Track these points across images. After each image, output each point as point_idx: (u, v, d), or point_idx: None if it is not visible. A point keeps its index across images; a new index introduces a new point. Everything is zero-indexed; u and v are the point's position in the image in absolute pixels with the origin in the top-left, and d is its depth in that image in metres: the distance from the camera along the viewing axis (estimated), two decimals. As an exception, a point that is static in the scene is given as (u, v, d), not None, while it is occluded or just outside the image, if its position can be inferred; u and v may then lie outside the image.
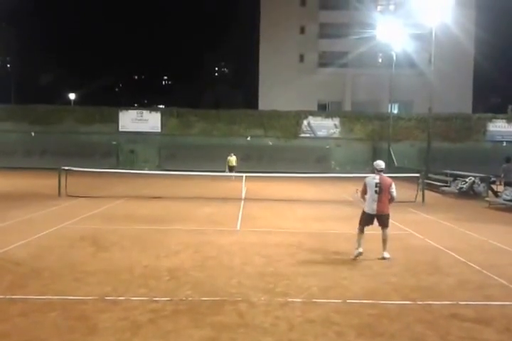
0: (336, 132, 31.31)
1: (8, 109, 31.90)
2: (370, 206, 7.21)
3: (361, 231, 7.36)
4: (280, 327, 4.53)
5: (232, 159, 24.12)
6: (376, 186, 7.11)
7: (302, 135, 31.16)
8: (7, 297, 5.23)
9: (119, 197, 14.77)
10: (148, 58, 70.72)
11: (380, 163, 7.42)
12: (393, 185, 7.25)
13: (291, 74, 39.76)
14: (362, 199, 7.58)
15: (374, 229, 10.01)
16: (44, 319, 4.61)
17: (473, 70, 41.62)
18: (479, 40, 40.14)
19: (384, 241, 7.40)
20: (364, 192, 7.37)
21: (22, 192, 16.26)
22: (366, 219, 7.36)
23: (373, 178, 7.21)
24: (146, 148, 30.47)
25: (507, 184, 14.34)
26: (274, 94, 38.66)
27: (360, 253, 7.19)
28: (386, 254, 7.30)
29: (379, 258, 7.23)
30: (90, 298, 5.22)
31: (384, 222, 7.37)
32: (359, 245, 7.27)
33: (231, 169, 23.53)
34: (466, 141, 31.01)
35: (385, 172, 7.46)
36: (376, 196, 7.11)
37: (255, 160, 28.18)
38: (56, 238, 8.43)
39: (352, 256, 7.22)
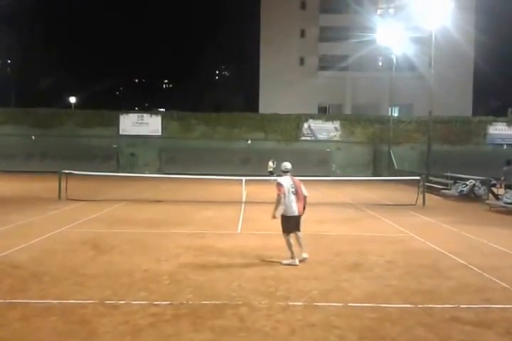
0: (336, 135, 31.35)
1: (9, 112, 31.98)
2: (291, 208, 7.00)
3: (289, 238, 7.09)
4: (281, 331, 4.51)
5: (270, 163, 24.31)
6: (292, 187, 7.04)
7: (303, 138, 31.20)
8: (7, 301, 5.22)
9: (120, 201, 14.77)
10: (148, 61, 70.92)
11: (287, 164, 7.33)
12: (302, 184, 7.26)
13: (292, 78, 39.85)
14: (280, 204, 7.13)
15: (373, 231, 10.04)
16: (44, 323, 4.60)
17: (473, 73, 41.70)
18: (479, 43, 40.25)
19: (300, 243, 7.23)
20: (280, 193, 7.10)
21: (22, 196, 16.26)
22: (292, 223, 7.07)
23: (286, 180, 7.12)
24: (146, 152, 30.51)
25: (507, 187, 14.33)
26: (275, 97, 38.74)
27: (292, 264, 6.88)
28: (305, 255, 7.18)
29: (300, 260, 6.99)
30: (90, 302, 5.21)
31: (300, 224, 7.25)
32: (293, 254, 6.94)
33: (271, 173, 23.80)
34: (467, 143, 31.04)
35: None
36: (294, 197, 7.01)
37: (256, 164, 28.17)
38: (56, 242, 8.42)
39: (285, 262, 6.92)
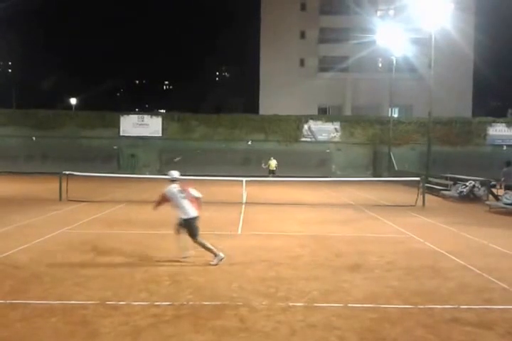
0: (336, 136, 31.37)
1: (10, 113, 31.97)
2: (190, 210, 7.22)
3: (200, 239, 7.22)
4: (281, 331, 4.52)
5: (272, 163, 24.55)
6: (180, 193, 7.32)
7: (303, 139, 31.22)
8: (8, 302, 5.23)
9: (120, 202, 14.78)
10: (149, 63, 71.05)
11: (173, 173, 7.61)
12: (191, 188, 7.53)
13: (292, 79, 39.90)
14: (156, 208, 7.71)
15: (373, 232, 10.04)
16: (45, 324, 4.61)
17: (473, 74, 41.73)
18: (479, 45, 40.30)
19: (184, 245, 7.39)
20: (159, 203, 7.59)
21: (23, 197, 16.27)
22: (197, 224, 7.24)
23: (174, 187, 7.40)
24: (147, 153, 30.53)
25: (507, 188, 14.34)
26: (275, 98, 38.77)
27: (221, 259, 7.08)
28: (190, 253, 7.36)
29: (182, 257, 7.17)
30: (91, 302, 5.22)
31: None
32: (213, 250, 7.12)
33: (271, 172, 24.07)
34: (466, 144, 31.05)
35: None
36: (186, 201, 7.28)
37: (256, 165, 28.18)
38: (57, 243, 8.43)
39: (213, 262, 7.03)
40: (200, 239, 7.20)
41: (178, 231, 7.35)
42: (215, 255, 7.10)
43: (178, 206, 7.25)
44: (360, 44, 37.13)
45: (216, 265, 6.99)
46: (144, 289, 5.74)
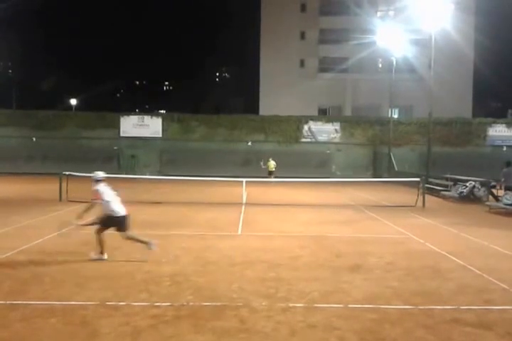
0: (336, 137, 31.39)
1: (10, 114, 32.01)
2: (120, 209, 7.30)
3: (103, 236, 7.33)
4: (281, 332, 4.52)
5: (271, 164, 24.56)
6: (112, 191, 7.43)
7: (303, 140, 31.24)
8: (8, 302, 5.23)
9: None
10: (149, 63, 71.07)
11: (99, 173, 7.61)
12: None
13: (292, 80, 39.93)
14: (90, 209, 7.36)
15: (373, 232, 10.04)
16: (45, 324, 4.62)
17: (473, 75, 41.77)
18: (479, 45, 40.32)
19: (140, 240, 7.52)
20: (101, 200, 7.35)
21: (23, 198, 16.28)
22: (114, 223, 7.30)
23: (104, 186, 7.43)
24: (147, 153, 30.55)
25: (507, 188, 14.34)
26: (275, 99, 38.80)
27: (104, 258, 7.19)
28: (154, 242, 7.46)
29: (91, 259, 7.17)
30: (91, 303, 5.22)
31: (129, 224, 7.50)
32: (103, 249, 7.22)
33: (270, 174, 24.06)
34: (467, 145, 31.06)
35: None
36: (119, 198, 7.40)
37: (256, 165, 28.20)
38: (57, 243, 8.43)
39: (94, 256, 7.17)
40: (101, 234, 7.30)
41: (101, 230, 7.34)
42: (101, 253, 7.23)
43: (109, 204, 7.25)
44: (360, 45, 37.16)
45: (94, 260, 7.08)
46: (144, 290, 5.74)
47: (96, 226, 7.36)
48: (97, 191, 7.30)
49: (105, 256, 7.26)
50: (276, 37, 40.15)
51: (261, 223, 11.31)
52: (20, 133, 30.33)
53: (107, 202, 7.24)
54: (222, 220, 11.63)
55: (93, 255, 7.25)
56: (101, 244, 7.30)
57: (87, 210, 7.28)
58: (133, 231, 7.56)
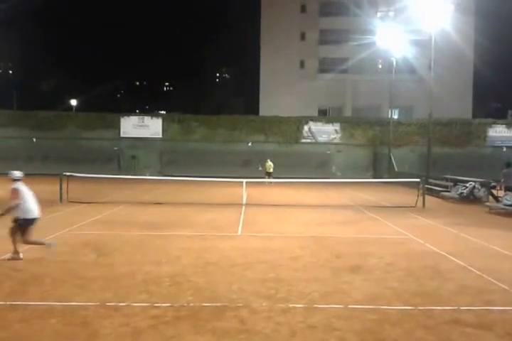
0: (336, 137, 31.38)
1: (10, 114, 31.99)
2: (35, 210, 7.27)
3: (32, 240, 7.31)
4: (281, 333, 4.53)
5: (268, 165, 24.63)
6: (29, 191, 7.36)
7: (303, 140, 31.23)
8: (8, 303, 5.23)
9: (121, 203, 14.79)
10: (149, 64, 71.10)
11: (16, 173, 7.52)
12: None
13: (292, 80, 39.95)
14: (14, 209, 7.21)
15: (373, 233, 10.04)
16: (45, 325, 4.62)
17: (473, 75, 41.78)
18: (479, 46, 40.35)
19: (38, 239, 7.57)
20: (18, 200, 7.18)
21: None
22: (33, 225, 7.26)
23: (22, 185, 7.35)
24: (147, 154, 30.54)
25: (507, 189, 14.33)
26: (275, 99, 38.82)
27: (20, 257, 7.19)
28: (53, 243, 7.55)
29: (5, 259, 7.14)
30: (91, 304, 5.22)
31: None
32: (17, 248, 7.18)
33: (268, 175, 24.11)
34: (467, 146, 31.06)
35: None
36: (35, 200, 7.36)
37: (256, 166, 28.20)
38: (57, 244, 8.42)
39: (8, 256, 7.19)
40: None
41: (15, 233, 7.24)
42: (15, 253, 7.20)
43: (25, 204, 7.17)
44: (360, 45, 37.20)
45: (9, 259, 7.08)
46: (144, 290, 5.75)
47: (12, 226, 7.24)
48: (15, 190, 7.20)
49: (21, 255, 7.21)
50: (276, 37, 40.18)
51: (261, 223, 11.31)
52: (21, 133, 30.33)
53: (24, 202, 7.18)
54: (223, 221, 11.63)
55: (6, 256, 7.23)
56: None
57: (9, 210, 7.14)
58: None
